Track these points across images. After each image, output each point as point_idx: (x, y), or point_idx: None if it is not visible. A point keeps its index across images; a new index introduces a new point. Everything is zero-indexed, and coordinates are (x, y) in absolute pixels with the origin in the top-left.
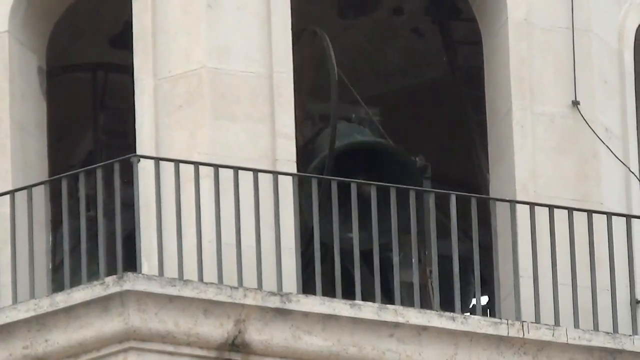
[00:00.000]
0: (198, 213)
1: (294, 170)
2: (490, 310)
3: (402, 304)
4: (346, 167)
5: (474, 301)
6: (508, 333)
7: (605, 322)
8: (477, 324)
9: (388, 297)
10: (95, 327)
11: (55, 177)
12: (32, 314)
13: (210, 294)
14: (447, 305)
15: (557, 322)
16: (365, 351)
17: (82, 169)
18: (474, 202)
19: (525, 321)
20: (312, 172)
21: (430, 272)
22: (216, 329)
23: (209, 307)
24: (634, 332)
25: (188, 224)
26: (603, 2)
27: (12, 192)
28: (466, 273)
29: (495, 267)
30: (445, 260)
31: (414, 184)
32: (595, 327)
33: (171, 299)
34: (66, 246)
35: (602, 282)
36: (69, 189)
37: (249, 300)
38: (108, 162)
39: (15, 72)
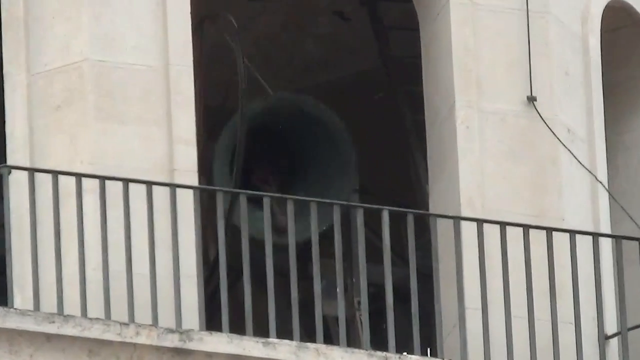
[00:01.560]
0: (81, 234)
1: (195, 182)
2: (431, 348)
3: (326, 341)
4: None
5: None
6: None
7: None
8: None
9: (309, 334)
10: None
11: None
12: None
13: (96, 331)
14: (379, 342)
15: None
16: None
17: None
18: (410, 218)
19: None
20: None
21: (359, 303)
22: None
23: (94, 347)
24: None
25: (69, 248)
26: None
27: None
28: (402, 304)
29: (437, 297)
30: (376, 289)
31: (339, 197)
32: None
33: (49, 337)
34: None
35: (565, 313)
36: None
37: (142, 339)
38: None
39: None
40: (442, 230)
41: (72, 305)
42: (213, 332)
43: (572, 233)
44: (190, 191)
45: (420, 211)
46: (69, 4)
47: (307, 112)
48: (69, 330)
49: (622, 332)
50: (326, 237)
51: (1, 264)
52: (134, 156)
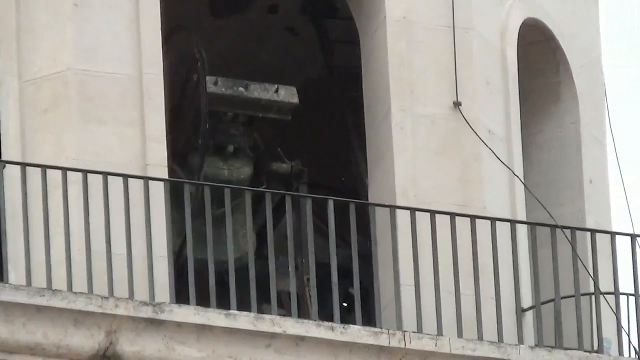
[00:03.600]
0: (66, 220)
1: (165, 175)
2: (370, 319)
3: (279, 313)
4: None
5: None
6: (389, 343)
7: (490, 331)
8: (357, 333)
9: (264, 307)
10: None
11: None
12: None
13: (80, 304)
14: (326, 314)
15: (440, 332)
16: None
17: None
18: (352, 207)
19: (406, 331)
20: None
21: (308, 280)
22: (87, 340)
23: (79, 317)
24: (520, 341)
25: (56, 232)
26: None
27: None
28: (345, 281)
29: (375, 275)
30: (323, 268)
31: (291, 189)
32: (480, 337)
33: (39, 309)
34: None
35: (487, 290)
36: None
37: (121, 311)
38: None
39: None
40: (380, 218)
41: (59, 281)
42: (182, 305)
43: (493, 220)
44: (161, 183)
45: (361, 201)
46: (55, 19)
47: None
48: (56, 302)
49: (537, 306)
50: (279, 223)
51: None
52: (112, 153)
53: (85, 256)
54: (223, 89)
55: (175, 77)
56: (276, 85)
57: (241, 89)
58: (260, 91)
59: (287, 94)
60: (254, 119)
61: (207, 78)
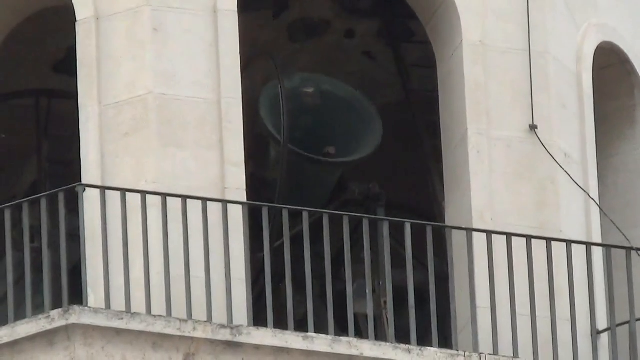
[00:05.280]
0: (145, 243)
1: (244, 198)
2: (447, 341)
3: (357, 335)
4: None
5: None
6: None
7: (566, 353)
8: (434, 355)
9: (342, 329)
10: None
11: None
12: None
13: (159, 326)
14: (402, 336)
15: (515, 354)
16: None
17: (26, 198)
18: (429, 230)
19: (482, 353)
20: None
21: (385, 302)
22: None
23: (157, 340)
24: None
25: (135, 255)
26: (560, 23)
27: None
28: (422, 304)
29: (452, 297)
30: (400, 291)
31: (368, 211)
32: (555, 358)
33: (118, 332)
34: (10, 278)
35: (562, 312)
36: (12, 220)
37: (199, 333)
38: (52, 191)
39: None
40: (457, 240)
41: (138, 304)
42: (260, 328)
43: (569, 243)
44: (240, 206)
45: (438, 224)
46: (135, 45)
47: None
48: (135, 325)
49: (612, 328)
50: (356, 246)
51: (77, 269)
52: (191, 176)
53: (164, 279)
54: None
55: (254, 101)
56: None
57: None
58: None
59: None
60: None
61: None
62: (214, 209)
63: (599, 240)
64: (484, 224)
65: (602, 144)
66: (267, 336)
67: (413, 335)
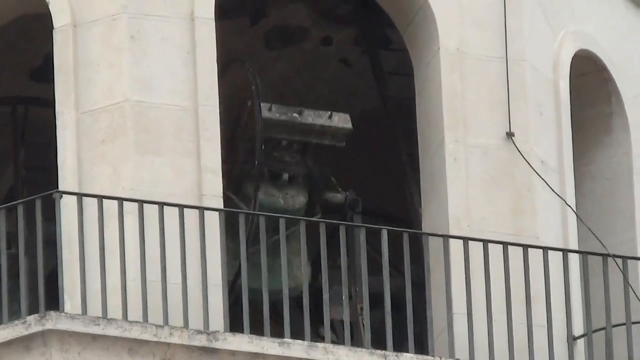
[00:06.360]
0: (122, 250)
1: (220, 205)
2: (423, 347)
3: (333, 341)
4: None
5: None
6: None
7: (542, 359)
8: None
9: (318, 335)
10: None
11: None
12: None
13: (135, 332)
14: (379, 343)
15: None
16: None
17: (3, 205)
18: (405, 237)
19: (459, 359)
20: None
21: (362, 309)
22: None
23: (133, 346)
24: None
25: (112, 261)
26: (538, 31)
27: None
28: (398, 310)
29: (428, 303)
30: (377, 297)
31: (345, 218)
32: None
33: (95, 338)
34: None
35: (538, 318)
36: None
37: (175, 339)
38: (29, 198)
39: None
40: (433, 247)
41: (114, 310)
42: (236, 333)
43: (545, 249)
44: (216, 213)
45: (415, 230)
46: (112, 52)
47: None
48: (112, 331)
49: (588, 334)
50: (333, 252)
51: (54, 275)
52: (168, 183)
53: (141, 285)
54: (277, 115)
55: (230, 108)
56: (330, 112)
57: (295, 115)
58: (314, 117)
59: (341, 120)
60: (308, 147)
61: (262, 104)
62: (191, 215)
63: (576, 247)
64: (461, 230)
65: (579, 151)
66: (243, 342)
67: (389, 341)
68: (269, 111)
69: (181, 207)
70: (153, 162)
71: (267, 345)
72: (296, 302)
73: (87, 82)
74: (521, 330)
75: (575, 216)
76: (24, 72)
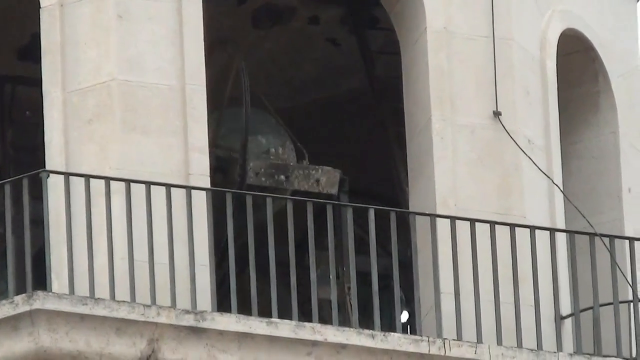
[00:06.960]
0: (109, 229)
1: (207, 184)
2: (410, 327)
3: (320, 321)
4: None
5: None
6: (429, 350)
7: (529, 338)
8: (398, 341)
9: (306, 315)
10: (4, 347)
11: None
12: None
13: (123, 312)
14: (366, 322)
15: (479, 339)
16: None
17: None
18: (393, 216)
19: (446, 338)
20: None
21: (349, 288)
22: (129, 348)
23: (121, 325)
24: (559, 348)
25: (99, 241)
26: (524, 10)
27: None
28: (386, 289)
29: (416, 283)
30: (364, 277)
31: (332, 197)
32: (519, 344)
33: (82, 317)
34: None
35: (526, 297)
36: None
37: (163, 319)
38: (16, 177)
39: None
40: (420, 226)
41: (102, 289)
42: (223, 313)
43: (532, 228)
44: (204, 192)
45: (402, 209)
46: (99, 31)
47: None
48: (99, 311)
49: (576, 313)
50: (320, 232)
51: (41, 254)
52: (155, 162)
53: (128, 265)
54: (263, 179)
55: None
56: (319, 170)
57: (282, 177)
58: (301, 179)
59: (328, 184)
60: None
61: (250, 169)
62: (178, 195)
63: (563, 226)
64: (448, 209)
65: (566, 130)
66: (230, 322)
67: (377, 321)
68: (256, 176)
69: (168, 186)
70: (140, 141)
71: (254, 324)
72: (284, 281)
73: (74, 62)
74: (509, 310)
75: (562, 195)
76: (11, 51)
